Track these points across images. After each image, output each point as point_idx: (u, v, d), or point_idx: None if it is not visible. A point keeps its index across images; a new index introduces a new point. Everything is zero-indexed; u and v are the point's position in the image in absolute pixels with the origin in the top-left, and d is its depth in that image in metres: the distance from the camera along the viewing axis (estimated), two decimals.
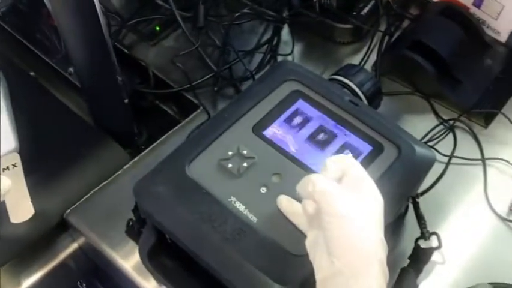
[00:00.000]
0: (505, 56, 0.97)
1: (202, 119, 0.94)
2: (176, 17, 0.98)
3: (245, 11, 0.99)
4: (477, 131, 0.90)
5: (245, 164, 0.72)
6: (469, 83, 0.94)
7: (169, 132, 0.94)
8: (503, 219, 0.82)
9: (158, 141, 0.93)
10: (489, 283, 0.72)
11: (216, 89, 0.98)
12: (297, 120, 0.77)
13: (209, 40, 1.02)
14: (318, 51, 1.03)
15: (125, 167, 0.90)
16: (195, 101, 0.97)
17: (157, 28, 1.07)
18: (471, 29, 0.97)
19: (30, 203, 0.77)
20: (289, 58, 1.01)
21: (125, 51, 1.05)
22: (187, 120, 0.95)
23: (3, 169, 0.72)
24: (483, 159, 0.87)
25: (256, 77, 0.98)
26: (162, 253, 0.75)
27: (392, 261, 0.77)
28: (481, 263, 0.78)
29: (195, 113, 0.96)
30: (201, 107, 0.96)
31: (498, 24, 0.97)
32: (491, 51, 0.97)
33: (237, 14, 0.99)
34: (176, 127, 0.95)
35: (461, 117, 0.91)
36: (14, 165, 0.72)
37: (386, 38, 1.01)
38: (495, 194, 0.84)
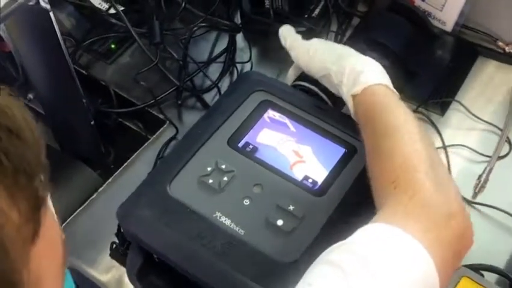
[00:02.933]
0: (452, 45, 1.01)
1: (170, 133, 0.96)
2: (131, 34, 0.99)
3: (201, 24, 1.00)
4: (435, 119, 0.95)
5: (225, 178, 0.74)
6: (422, 75, 0.98)
7: (139, 150, 0.95)
8: (470, 202, 0.86)
9: (129, 160, 0.94)
10: (465, 265, 0.76)
11: (179, 102, 0.99)
12: (270, 129, 0.79)
13: (167, 54, 1.02)
14: (274, 55, 1.05)
15: (99, 190, 0.91)
16: (161, 116, 0.98)
17: (113, 46, 1.07)
18: (418, 22, 1.01)
19: None
20: (248, 65, 1.03)
21: (83, 72, 1.04)
22: (155, 136, 0.96)
23: None
24: (444, 147, 0.91)
25: (220, 85, 0.99)
26: (150, 273, 0.77)
27: None
28: None
29: (162, 128, 0.97)
30: (168, 122, 0.97)
31: (443, 15, 1.01)
32: (440, 41, 1.01)
33: (193, 27, 1.00)
34: (146, 144, 0.96)
35: (419, 108, 0.95)
36: None
37: (339, 38, 1.04)
38: (459, 178, 0.88)
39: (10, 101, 0.30)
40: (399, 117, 0.66)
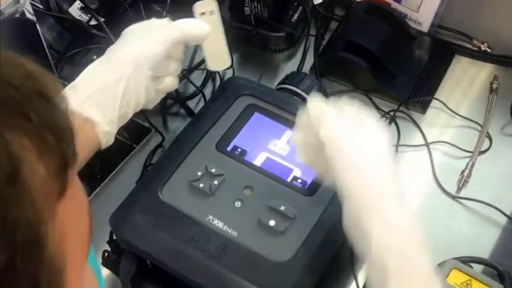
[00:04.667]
0: (429, 45, 1.04)
1: (156, 141, 0.96)
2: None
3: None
4: (416, 118, 0.97)
5: (216, 182, 0.75)
6: (402, 75, 1.00)
7: (125, 159, 0.95)
8: (454, 197, 0.88)
9: (115, 170, 0.94)
10: (454, 258, 0.78)
11: (163, 109, 1.00)
12: (257, 132, 0.80)
13: None
14: (255, 60, 1.07)
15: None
16: (146, 125, 0.98)
17: (94, 57, 1.06)
18: (396, 24, 1.03)
19: (228, 55, 0.80)
20: (230, 71, 1.04)
21: (66, 84, 1.04)
22: (141, 144, 0.97)
23: (201, 13, 0.75)
24: (427, 144, 0.93)
25: (205, 91, 1.00)
26: (144, 279, 0.77)
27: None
28: (442, 240, 0.84)
29: (148, 136, 0.97)
30: (154, 130, 0.97)
31: (419, 16, 1.04)
32: (417, 42, 1.04)
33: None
34: (132, 152, 0.96)
35: (400, 108, 0.97)
36: (212, 12, 0.76)
37: (319, 41, 1.05)
38: (443, 174, 0.90)
39: (41, 69, 0.31)
40: None
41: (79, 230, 0.32)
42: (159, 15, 1.01)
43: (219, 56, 0.81)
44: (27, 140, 0.28)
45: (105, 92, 0.66)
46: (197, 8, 0.78)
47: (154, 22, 0.75)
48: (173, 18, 0.77)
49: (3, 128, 0.28)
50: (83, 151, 0.65)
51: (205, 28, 0.75)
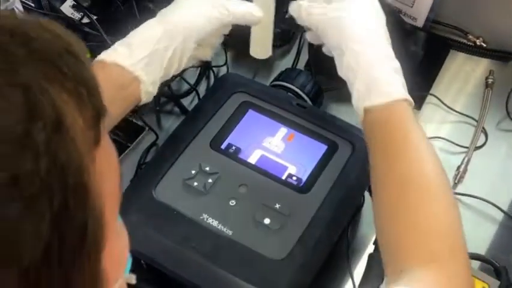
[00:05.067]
0: (425, 40, 1.03)
1: (150, 140, 0.95)
2: (105, 43, 0.98)
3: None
4: None
5: (210, 180, 0.74)
6: None
7: (120, 158, 0.94)
8: None
9: None
10: None
11: (157, 107, 0.99)
12: (251, 130, 0.80)
13: None
14: (250, 57, 1.06)
15: None
16: (140, 123, 0.97)
17: (87, 56, 1.06)
18: (390, 19, 1.02)
19: (271, 45, 0.79)
20: (224, 68, 1.03)
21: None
22: (135, 142, 0.96)
23: None
24: None
25: (199, 89, 0.99)
26: (139, 280, 0.76)
27: (356, 248, 0.83)
28: None
29: (141, 135, 0.97)
30: (147, 128, 0.97)
31: (414, 11, 1.03)
32: (412, 37, 1.03)
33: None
34: (126, 151, 0.95)
35: None
36: None
37: None
38: None
39: (64, 29, 0.33)
40: (427, 161, 0.61)
41: (113, 177, 0.35)
42: (152, 14, 1.00)
43: (263, 44, 0.80)
44: (65, 93, 0.30)
45: (155, 56, 0.71)
46: None
47: None
48: None
49: (44, 82, 0.30)
50: (127, 105, 0.71)
51: (258, 15, 0.75)
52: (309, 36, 0.77)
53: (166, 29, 0.72)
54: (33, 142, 0.28)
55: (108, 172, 0.34)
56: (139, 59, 0.70)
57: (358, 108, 0.65)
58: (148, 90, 0.71)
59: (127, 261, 0.41)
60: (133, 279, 0.44)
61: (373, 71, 0.65)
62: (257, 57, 0.81)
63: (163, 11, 0.75)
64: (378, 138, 0.63)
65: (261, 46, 0.80)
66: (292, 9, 0.74)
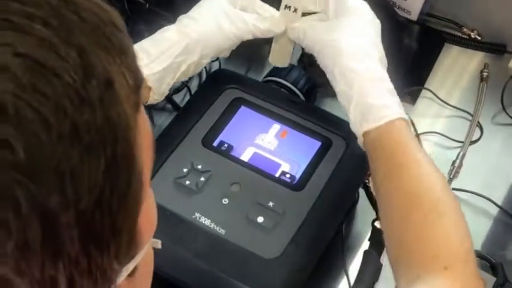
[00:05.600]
0: (419, 34, 1.02)
1: None
2: None
3: (166, 24, 0.99)
4: (406, 109, 0.93)
5: (202, 179, 0.73)
6: (391, 65, 0.98)
7: None
8: None
9: None
10: None
11: (149, 104, 0.98)
12: (244, 127, 0.78)
13: None
14: (241, 51, 1.04)
15: None
16: None
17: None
18: (384, 12, 1.01)
19: (290, 54, 0.79)
20: (216, 64, 1.02)
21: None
22: None
23: (285, 6, 0.73)
24: (417, 135, 0.92)
25: (191, 85, 0.98)
26: None
27: (351, 245, 0.82)
28: None
29: None
30: None
31: (408, 4, 1.02)
32: (406, 30, 1.02)
33: (159, 28, 0.98)
34: None
35: None
36: (295, 10, 0.73)
37: None
38: None
39: (105, 3, 0.35)
40: (432, 176, 0.62)
41: (149, 141, 0.37)
42: (142, 8, 0.99)
43: (283, 53, 0.79)
44: (111, 58, 0.32)
45: (170, 69, 0.73)
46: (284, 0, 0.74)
47: (233, 9, 0.75)
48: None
49: (95, 48, 0.32)
50: None
51: (279, 29, 0.75)
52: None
53: (185, 44, 0.73)
54: (90, 97, 0.30)
55: (145, 136, 0.35)
56: (156, 72, 0.72)
57: (356, 132, 0.66)
58: (155, 98, 0.74)
59: (155, 227, 0.43)
60: (158, 244, 0.45)
61: (367, 96, 0.66)
62: (275, 64, 0.81)
63: (183, 19, 0.76)
64: (380, 158, 0.64)
65: (280, 55, 0.79)
66: (291, 29, 0.74)
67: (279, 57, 0.80)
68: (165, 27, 0.77)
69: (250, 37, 0.75)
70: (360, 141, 0.66)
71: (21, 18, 0.30)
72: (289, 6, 0.74)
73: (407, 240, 0.61)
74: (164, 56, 0.72)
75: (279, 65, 0.80)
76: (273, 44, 0.78)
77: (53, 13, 0.31)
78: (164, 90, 0.75)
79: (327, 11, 0.72)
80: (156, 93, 0.74)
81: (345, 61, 0.68)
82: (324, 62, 0.70)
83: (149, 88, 0.72)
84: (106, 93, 0.31)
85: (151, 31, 1.00)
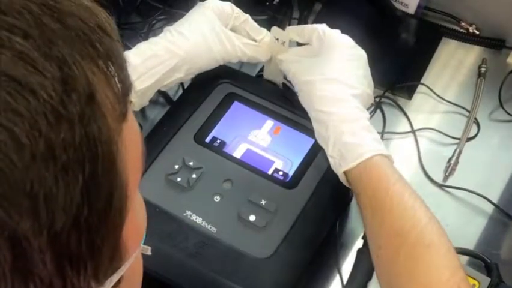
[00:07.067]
0: (416, 28, 1.01)
1: None
2: None
3: (159, 16, 0.97)
4: (402, 104, 0.94)
5: (194, 176, 0.72)
6: (388, 59, 0.97)
7: None
8: (441, 186, 0.86)
9: None
10: None
11: None
12: (237, 123, 0.77)
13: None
14: None
15: None
16: None
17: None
18: (381, 6, 1.00)
19: (282, 74, 0.81)
20: None
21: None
22: None
23: (275, 38, 0.77)
24: (413, 131, 0.91)
25: None
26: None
27: (344, 243, 0.81)
28: None
29: None
30: None
31: None
32: (404, 24, 1.01)
33: (152, 20, 0.97)
34: None
35: (386, 94, 0.94)
36: (283, 44, 0.77)
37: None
38: (429, 162, 0.88)
39: (95, 5, 0.34)
40: (415, 210, 0.62)
41: (136, 151, 0.36)
42: (135, 0, 0.97)
43: (276, 72, 0.81)
44: (96, 68, 0.31)
45: (155, 84, 0.75)
46: (273, 32, 0.77)
47: (223, 29, 0.77)
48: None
49: (78, 56, 0.31)
50: None
51: (264, 58, 0.79)
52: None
53: (174, 64, 0.74)
54: (68, 113, 0.29)
55: (132, 146, 0.35)
56: (140, 88, 0.73)
57: (337, 172, 0.68)
58: (134, 109, 0.74)
59: (144, 234, 0.42)
60: (148, 251, 0.45)
61: (342, 137, 0.67)
62: (268, 79, 0.83)
63: (172, 31, 0.76)
64: (363, 196, 0.65)
65: (274, 73, 0.82)
66: (279, 60, 0.77)
67: (273, 75, 0.82)
68: (152, 39, 0.77)
69: (236, 61, 0.78)
70: (342, 179, 0.67)
71: (1, 31, 0.29)
72: (277, 38, 0.77)
73: (397, 274, 0.61)
74: (150, 73, 0.73)
75: (273, 81, 0.83)
76: (265, 64, 0.82)
77: (34, 23, 0.30)
78: (145, 102, 0.76)
79: (313, 46, 0.75)
80: (137, 106, 0.75)
81: (317, 106, 0.70)
82: (302, 101, 0.73)
83: (131, 102, 0.71)
84: (87, 107, 0.30)
85: (144, 23, 0.99)
